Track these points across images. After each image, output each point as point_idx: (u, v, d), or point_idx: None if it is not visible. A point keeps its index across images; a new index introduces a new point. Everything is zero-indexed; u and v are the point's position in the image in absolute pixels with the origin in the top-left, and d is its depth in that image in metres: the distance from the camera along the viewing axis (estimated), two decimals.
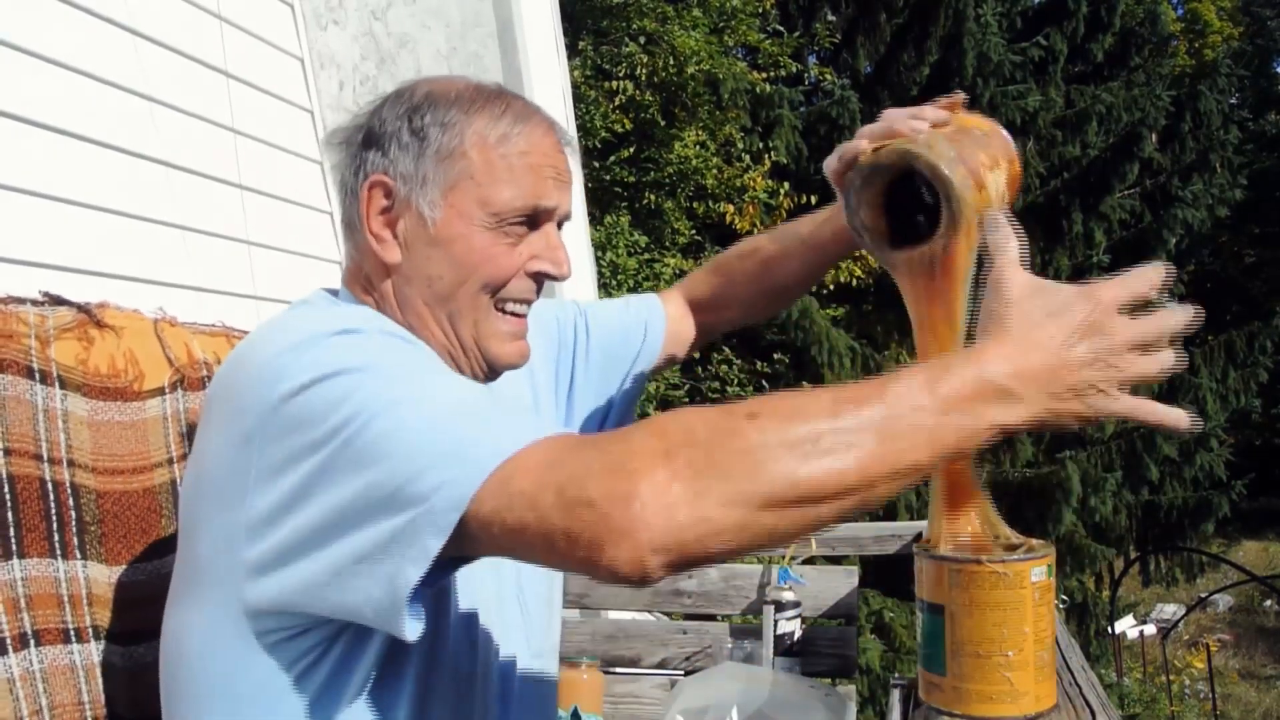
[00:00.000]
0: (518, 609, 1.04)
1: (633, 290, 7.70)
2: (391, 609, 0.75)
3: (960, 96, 1.00)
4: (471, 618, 0.97)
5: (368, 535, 0.75)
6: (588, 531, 0.67)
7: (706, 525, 0.67)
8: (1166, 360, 0.79)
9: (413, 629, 0.76)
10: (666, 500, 0.66)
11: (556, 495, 0.69)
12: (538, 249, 0.99)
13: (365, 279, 1.00)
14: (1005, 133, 0.99)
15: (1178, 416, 0.80)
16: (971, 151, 0.93)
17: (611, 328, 1.26)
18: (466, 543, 0.73)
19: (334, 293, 1.03)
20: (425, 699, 0.91)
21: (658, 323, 1.29)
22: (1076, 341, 0.76)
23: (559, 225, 1.02)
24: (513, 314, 1.00)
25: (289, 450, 0.79)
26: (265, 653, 0.85)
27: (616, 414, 1.27)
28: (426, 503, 0.72)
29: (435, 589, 0.79)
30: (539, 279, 1.01)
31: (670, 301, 1.34)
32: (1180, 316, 0.80)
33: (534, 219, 0.98)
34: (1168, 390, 10.11)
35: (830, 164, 1.00)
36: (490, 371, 1.01)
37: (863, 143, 0.96)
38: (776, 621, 2.22)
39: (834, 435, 0.69)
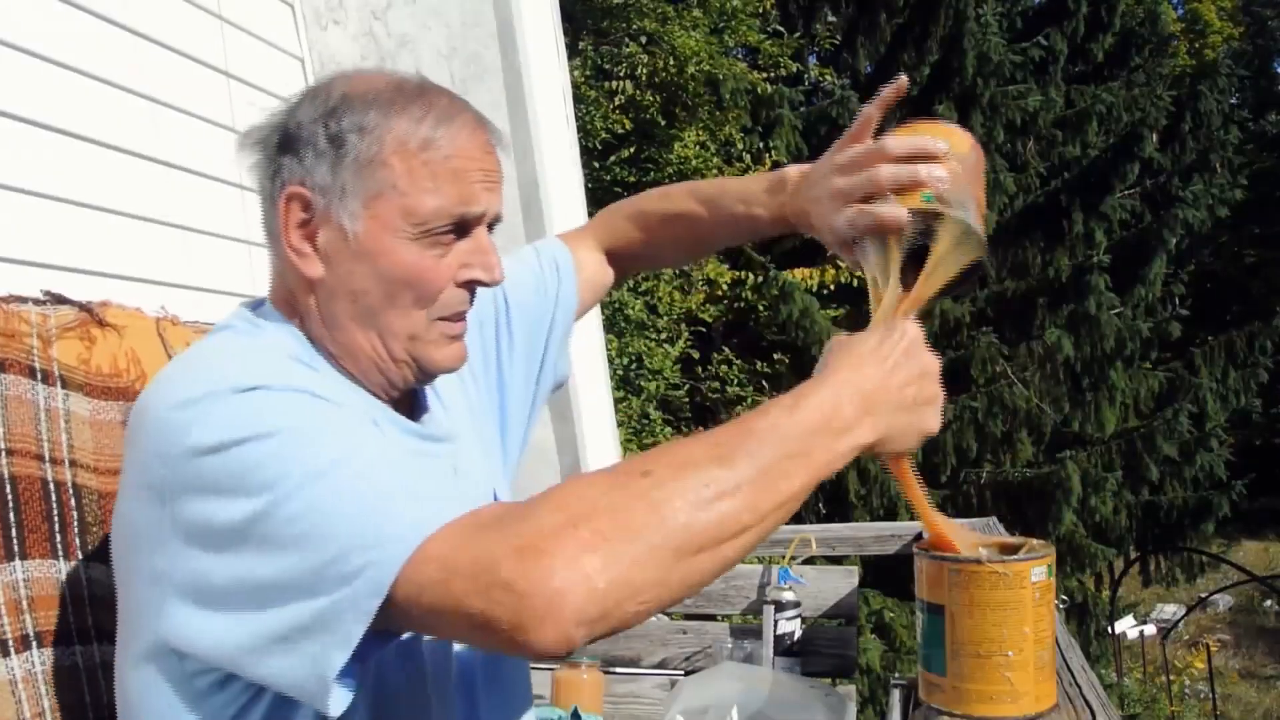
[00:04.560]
0: None
1: (632, 290, 7.69)
2: (317, 689, 0.74)
3: (903, 80, 1.03)
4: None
5: (287, 616, 0.74)
6: (508, 615, 0.67)
7: (626, 589, 0.68)
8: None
9: (338, 704, 0.74)
10: (583, 573, 0.67)
11: (471, 581, 0.69)
12: (468, 256, 0.95)
13: (289, 293, 0.96)
14: (967, 133, 1.03)
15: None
16: (975, 190, 0.99)
17: (527, 290, 1.22)
18: (392, 622, 0.73)
19: (258, 305, 0.99)
20: None
21: (569, 275, 1.26)
22: (896, 365, 0.86)
23: (490, 228, 0.98)
24: (448, 319, 0.97)
25: (205, 513, 0.78)
26: (197, 699, 0.84)
27: (550, 367, 1.25)
28: (348, 587, 0.72)
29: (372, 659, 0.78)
30: (471, 287, 0.96)
31: (584, 248, 1.30)
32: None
33: (463, 226, 0.94)
34: (1168, 391, 10.12)
35: (862, 224, 1.01)
36: (424, 375, 0.98)
37: (903, 212, 0.97)
38: (776, 621, 2.22)
39: (722, 479, 0.73)
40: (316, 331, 0.95)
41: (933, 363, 0.88)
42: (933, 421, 0.87)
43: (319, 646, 0.73)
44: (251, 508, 0.75)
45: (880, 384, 0.84)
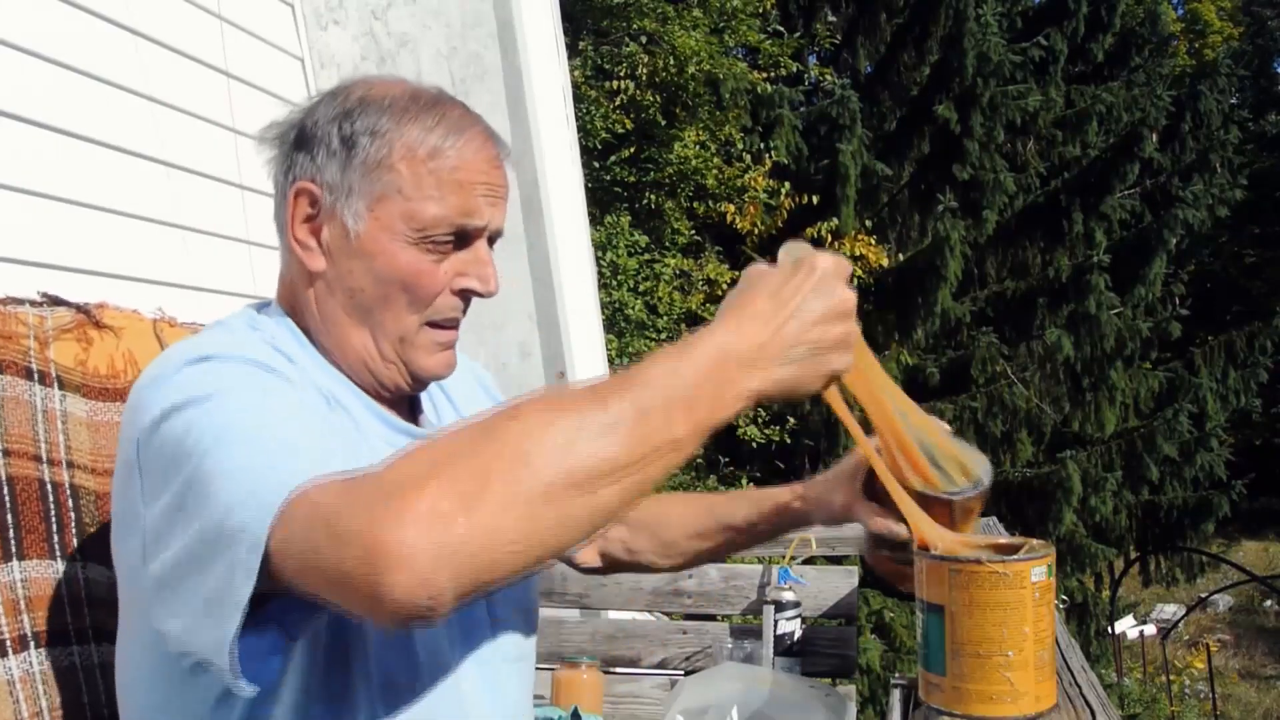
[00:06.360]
0: (485, 613, 1.01)
1: (632, 290, 7.69)
2: (223, 662, 0.73)
3: None
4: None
5: (201, 585, 0.74)
6: (360, 566, 0.64)
7: (489, 534, 0.64)
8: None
9: (242, 685, 0.73)
10: (440, 515, 0.63)
11: (326, 531, 0.66)
12: (465, 265, 0.96)
13: (291, 287, 0.99)
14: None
15: None
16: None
17: None
18: (282, 585, 0.71)
19: (264, 305, 1.02)
20: (373, 714, 0.89)
21: None
22: (795, 312, 0.80)
23: (490, 242, 0.99)
24: (441, 326, 0.98)
25: (155, 485, 0.80)
26: (181, 680, 0.84)
27: None
28: (234, 548, 0.71)
29: (302, 636, 0.79)
30: (465, 296, 0.98)
31: None
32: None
33: (462, 236, 0.95)
34: (1168, 391, 10.12)
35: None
36: (415, 382, 1.00)
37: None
38: (776, 621, 2.22)
39: (596, 420, 0.69)
40: (314, 325, 0.97)
41: (846, 299, 0.82)
42: (839, 362, 0.82)
43: (222, 613, 0.72)
44: (179, 474, 0.77)
45: (771, 338, 0.78)
